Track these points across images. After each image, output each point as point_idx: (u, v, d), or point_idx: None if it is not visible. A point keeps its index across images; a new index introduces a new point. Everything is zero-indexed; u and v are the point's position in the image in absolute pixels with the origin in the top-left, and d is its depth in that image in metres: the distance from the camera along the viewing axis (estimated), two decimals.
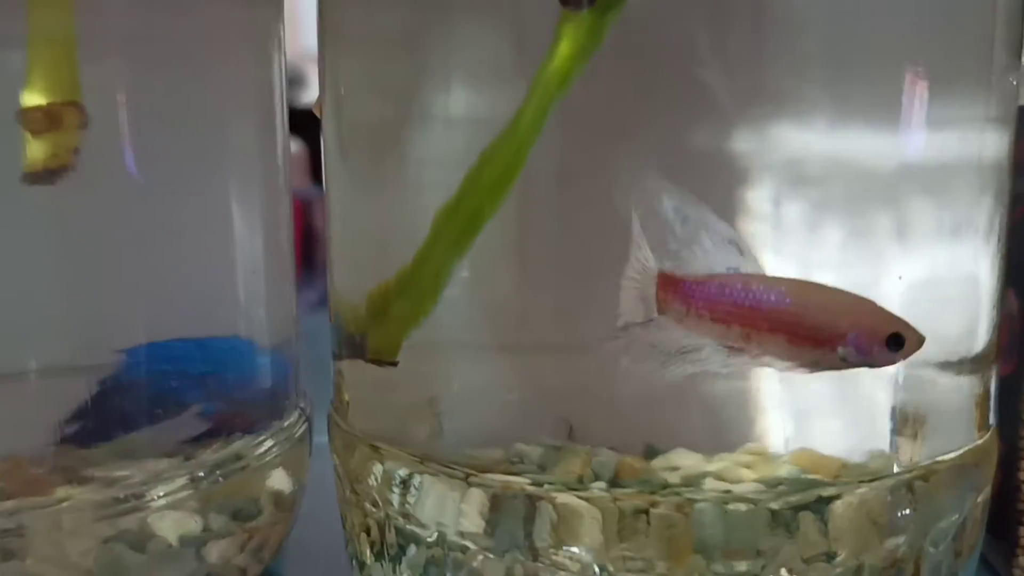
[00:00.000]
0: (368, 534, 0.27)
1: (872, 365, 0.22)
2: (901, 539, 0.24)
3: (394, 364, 0.26)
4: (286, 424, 0.32)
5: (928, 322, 0.22)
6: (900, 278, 0.24)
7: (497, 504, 0.24)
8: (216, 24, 0.30)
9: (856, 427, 0.25)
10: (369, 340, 0.27)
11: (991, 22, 0.25)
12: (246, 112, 0.31)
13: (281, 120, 0.32)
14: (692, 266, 0.22)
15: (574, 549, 0.23)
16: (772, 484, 0.23)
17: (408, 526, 0.26)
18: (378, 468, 0.26)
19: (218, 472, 0.29)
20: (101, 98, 0.27)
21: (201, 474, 0.29)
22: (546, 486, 0.24)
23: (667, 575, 0.23)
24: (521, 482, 0.24)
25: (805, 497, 0.23)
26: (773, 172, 0.23)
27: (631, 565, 0.23)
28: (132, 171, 0.28)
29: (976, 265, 0.25)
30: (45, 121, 0.26)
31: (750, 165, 0.23)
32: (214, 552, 0.29)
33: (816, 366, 0.22)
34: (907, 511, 0.24)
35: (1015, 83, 0.26)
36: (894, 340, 0.22)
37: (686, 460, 0.24)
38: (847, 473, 0.24)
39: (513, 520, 0.24)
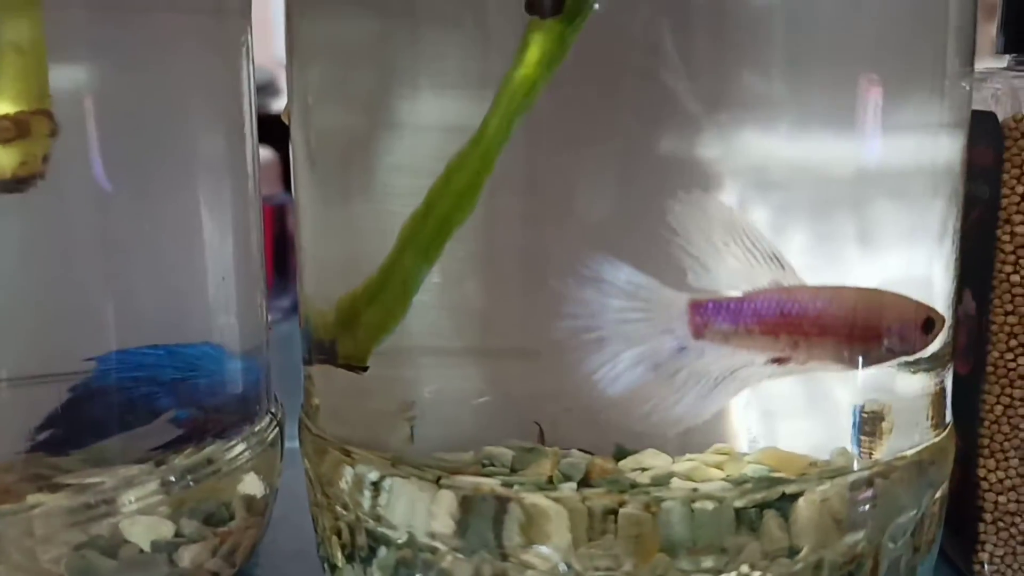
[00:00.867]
0: (339, 537, 0.27)
1: (911, 352, 0.23)
2: (860, 535, 0.25)
3: (364, 370, 0.26)
4: (257, 429, 0.32)
5: None
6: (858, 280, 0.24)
7: (467, 505, 0.24)
8: (184, 32, 0.30)
9: (821, 426, 0.26)
10: (339, 346, 0.27)
11: (944, 29, 0.25)
12: (215, 120, 0.31)
13: (250, 127, 0.32)
14: (732, 283, 0.23)
15: (542, 548, 0.24)
16: (738, 482, 0.24)
17: (379, 528, 0.26)
18: (349, 472, 0.26)
19: (190, 477, 0.29)
20: (69, 106, 0.27)
21: (172, 479, 0.29)
22: (516, 487, 0.24)
23: (633, 573, 0.23)
24: (491, 483, 0.24)
25: (770, 494, 0.24)
26: (737, 177, 0.24)
27: (598, 563, 0.23)
28: (100, 179, 0.28)
29: (931, 267, 0.26)
30: (14, 129, 0.26)
31: (716, 170, 0.23)
32: (186, 557, 0.29)
33: (867, 361, 0.23)
34: (866, 507, 0.25)
35: (967, 88, 0.26)
36: (928, 324, 0.23)
37: (656, 460, 0.24)
38: (813, 471, 0.24)
39: (483, 521, 0.24)
